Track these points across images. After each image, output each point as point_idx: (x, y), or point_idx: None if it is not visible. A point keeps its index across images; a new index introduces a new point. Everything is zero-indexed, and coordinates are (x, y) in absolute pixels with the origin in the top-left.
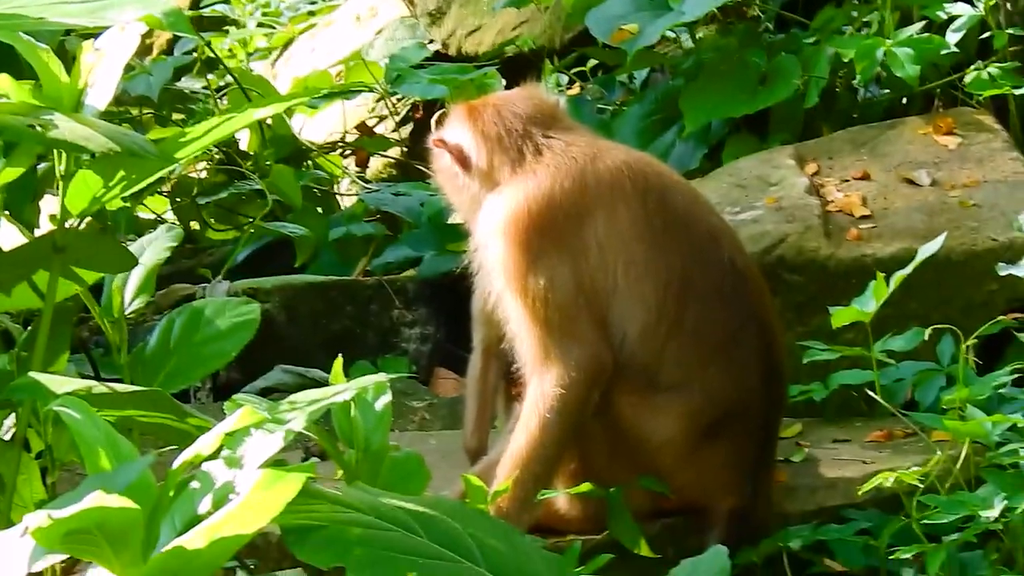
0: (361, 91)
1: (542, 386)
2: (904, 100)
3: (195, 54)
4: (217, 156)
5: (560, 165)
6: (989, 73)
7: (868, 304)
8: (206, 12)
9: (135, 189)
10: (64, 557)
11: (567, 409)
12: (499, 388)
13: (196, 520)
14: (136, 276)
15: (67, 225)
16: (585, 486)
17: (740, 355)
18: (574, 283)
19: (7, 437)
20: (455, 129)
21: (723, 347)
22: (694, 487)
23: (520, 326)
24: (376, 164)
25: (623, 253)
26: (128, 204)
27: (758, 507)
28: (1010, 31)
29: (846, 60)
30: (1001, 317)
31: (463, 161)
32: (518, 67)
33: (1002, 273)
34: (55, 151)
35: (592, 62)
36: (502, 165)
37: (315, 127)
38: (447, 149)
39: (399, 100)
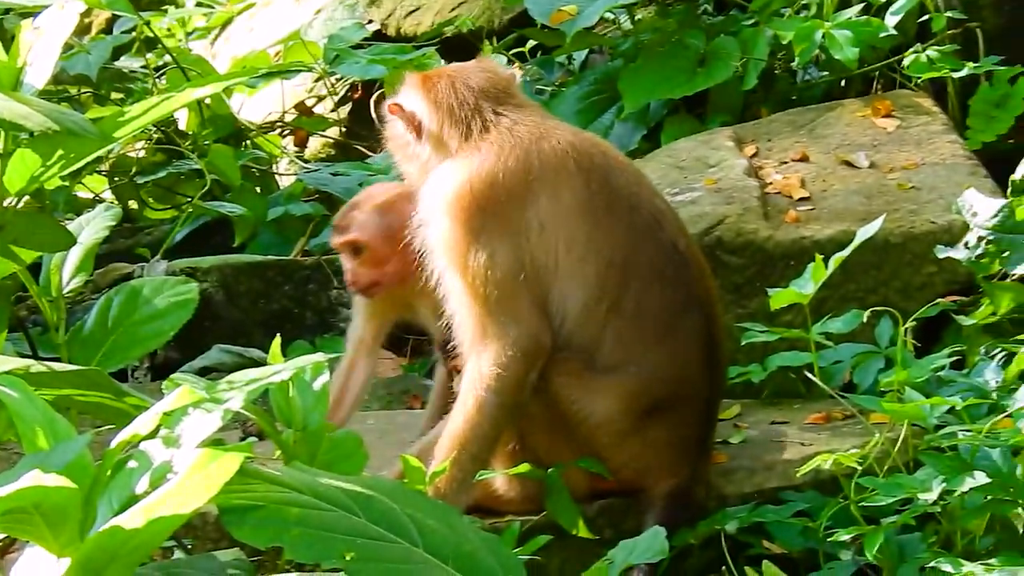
0: (300, 71)
1: (479, 365)
2: (843, 82)
3: (134, 33)
4: (156, 136)
5: (505, 143)
6: (928, 56)
7: (806, 286)
8: None
9: (73, 168)
10: (1, 536)
11: (504, 389)
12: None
13: (134, 500)
14: (74, 255)
15: (5, 204)
16: (523, 467)
17: (681, 337)
18: (515, 262)
19: None
20: (410, 96)
21: (664, 329)
22: (632, 468)
23: (459, 304)
24: (315, 144)
25: (565, 232)
26: (66, 183)
27: (696, 489)
28: (949, 14)
29: (785, 42)
30: (939, 300)
31: (416, 128)
32: (457, 48)
33: (940, 256)
34: None
35: (531, 43)
36: (451, 138)
37: (254, 107)
38: (401, 115)
39: (338, 80)
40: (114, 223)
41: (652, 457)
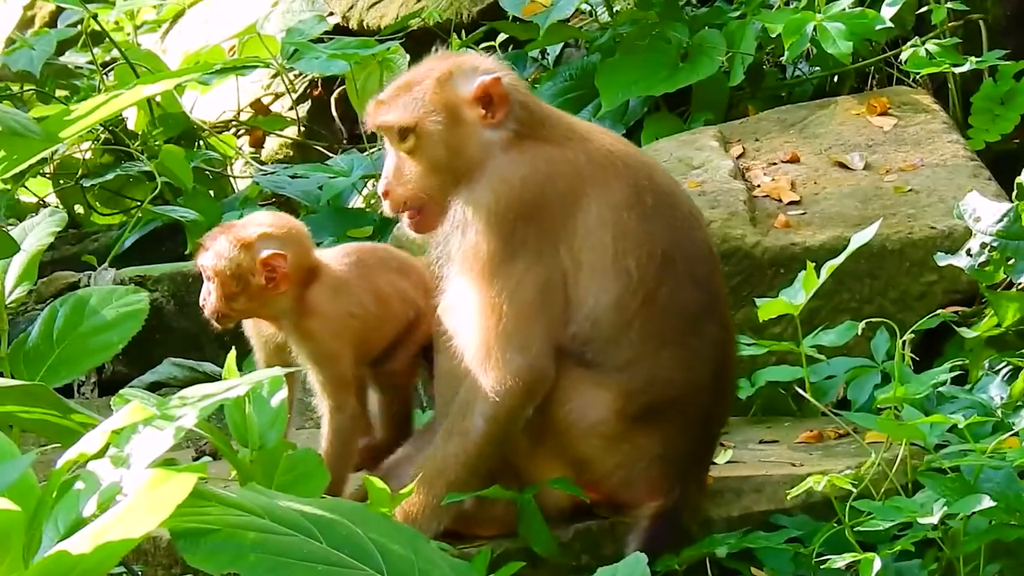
0: (256, 67)
1: (475, 391)
2: (836, 78)
3: (80, 27)
4: (103, 135)
5: (556, 144)
6: (927, 50)
7: (797, 296)
8: None
9: (16, 170)
10: None
11: (499, 418)
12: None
13: (81, 523)
14: (17, 263)
15: None
16: (494, 489)
17: (698, 343)
18: (546, 280)
19: None
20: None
21: (685, 330)
22: (618, 479)
23: (468, 320)
24: (272, 144)
25: (613, 228)
26: (8, 186)
27: (685, 512)
28: (949, 5)
29: (774, 35)
30: (940, 311)
31: (494, 112)
32: (423, 42)
33: (941, 263)
34: None
35: (502, 36)
36: (515, 132)
37: (207, 105)
38: (496, 91)
39: (296, 76)
40: (59, 229)
41: (642, 469)
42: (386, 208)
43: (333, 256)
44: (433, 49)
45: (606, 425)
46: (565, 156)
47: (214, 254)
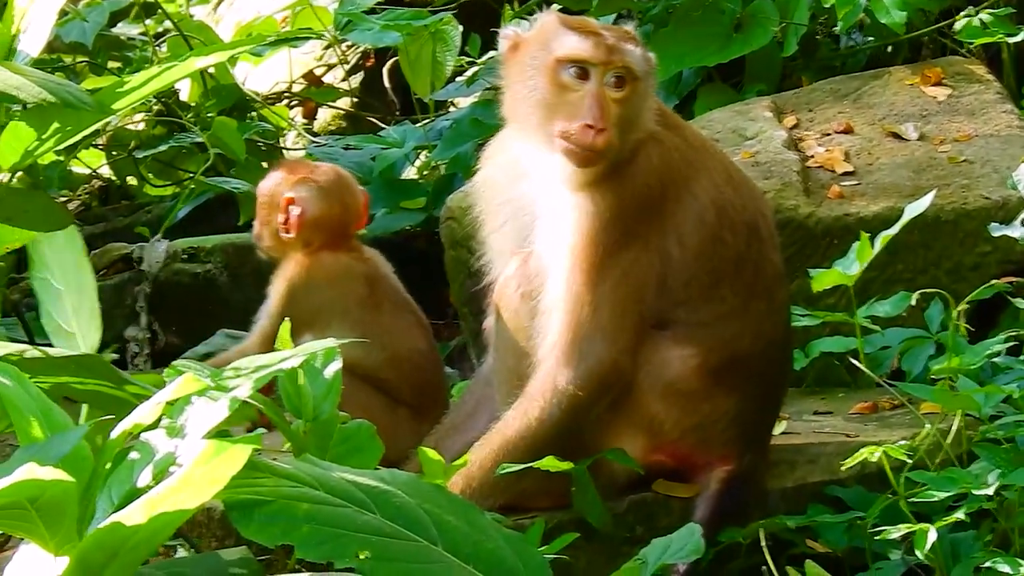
0: (309, 38)
1: (556, 377)
2: (889, 48)
3: None
4: (156, 107)
5: (664, 133)
6: (981, 19)
7: (851, 267)
8: None
9: (69, 142)
10: None
11: (573, 410)
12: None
13: (135, 494)
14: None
15: None
16: (549, 460)
17: (773, 307)
18: (648, 272)
19: None
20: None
21: (764, 293)
22: (695, 441)
23: (561, 303)
24: (324, 116)
25: (717, 204)
26: (62, 158)
27: (754, 479)
28: None
29: (827, 5)
30: (994, 281)
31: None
32: (476, 12)
33: (995, 234)
34: None
35: (555, 7)
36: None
37: (260, 77)
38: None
39: (349, 48)
40: None
41: (719, 431)
42: (585, 143)
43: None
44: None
45: (686, 383)
46: (676, 143)
47: (266, 179)
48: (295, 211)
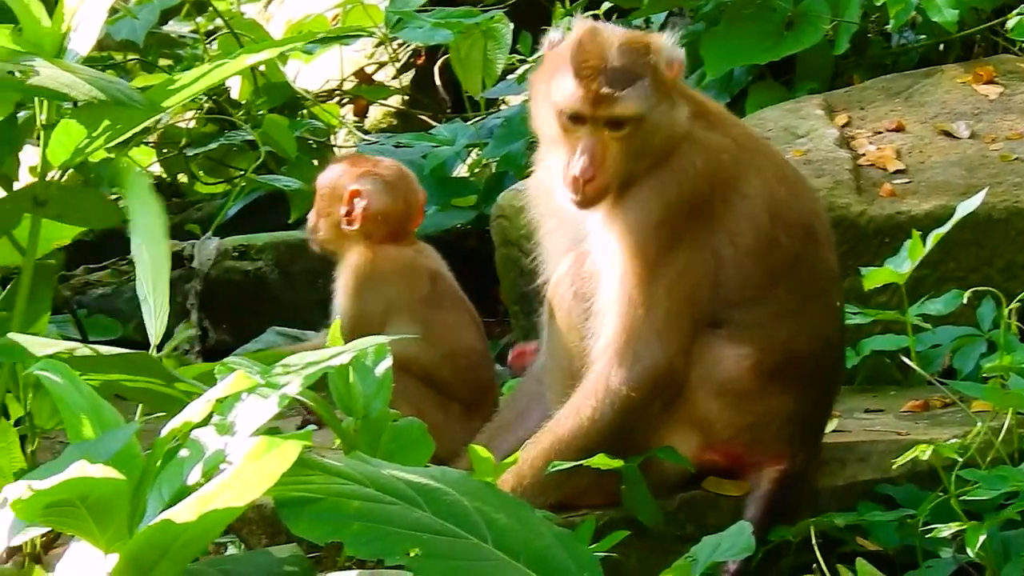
0: (360, 36)
1: (608, 377)
2: (941, 47)
3: None
4: (207, 105)
5: (718, 130)
6: None
7: (903, 265)
8: None
9: (120, 140)
10: (45, 530)
11: (627, 410)
12: None
13: (185, 491)
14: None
15: (48, 177)
16: (600, 458)
17: (827, 308)
18: (702, 274)
19: None
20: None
21: (819, 293)
22: (748, 441)
23: (615, 303)
24: (375, 113)
25: (770, 206)
26: (112, 155)
27: (805, 479)
28: None
29: (879, 3)
30: None
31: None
32: (527, 11)
33: None
34: (36, 99)
35: (606, 5)
36: (689, 109)
37: (311, 74)
38: (681, 64)
39: (400, 46)
40: None
41: (772, 430)
42: (576, 196)
43: (424, 255)
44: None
45: (740, 382)
46: (724, 143)
47: (327, 171)
48: (360, 203)
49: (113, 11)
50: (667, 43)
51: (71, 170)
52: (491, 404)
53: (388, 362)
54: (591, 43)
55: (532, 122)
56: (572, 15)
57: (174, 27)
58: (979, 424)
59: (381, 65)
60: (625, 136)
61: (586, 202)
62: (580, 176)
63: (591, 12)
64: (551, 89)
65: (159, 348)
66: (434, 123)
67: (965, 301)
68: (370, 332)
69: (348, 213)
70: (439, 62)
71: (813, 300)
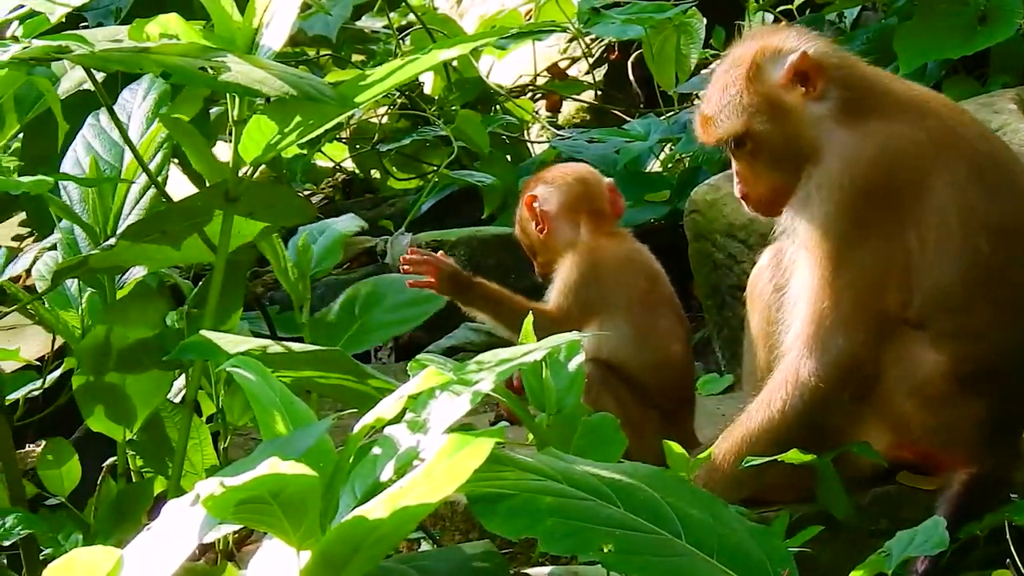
0: (553, 31)
1: (798, 368)
2: None
3: None
4: (399, 100)
5: (899, 117)
6: None
7: None
8: None
9: (312, 135)
10: (237, 527)
11: (816, 401)
12: None
13: (378, 488)
14: (324, 241)
15: (240, 174)
16: (793, 453)
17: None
18: (889, 265)
19: (177, 399)
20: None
21: (1017, 302)
22: (940, 442)
23: (804, 294)
24: (568, 109)
25: (961, 205)
26: (304, 152)
27: (997, 481)
28: None
29: None
30: None
31: (807, 80)
32: (719, 4)
33: None
34: (227, 95)
35: (799, 0)
36: (837, 99)
37: (504, 69)
38: (808, 64)
39: (593, 41)
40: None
41: (964, 433)
42: (749, 210)
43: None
44: (741, 27)
45: (934, 386)
46: (906, 134)
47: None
48: (539, 205)
49: (306, 6)
50: (783, 44)
51: (263, 166)
52: (689, 414)
53: (581, 358)
54: (714, 70)
55: None
56: (766, 10)
57: (367, 23)
58: None
59: (574, 60)
60: (749, 152)
61: (760, 213)
62: (739, 196)
63: (782, 7)
64: None
65: None
66: (627, 118)
67: None
68: (580, 328)
69: (538, 223)
70: (632, 57)
71: (1014, 314)
